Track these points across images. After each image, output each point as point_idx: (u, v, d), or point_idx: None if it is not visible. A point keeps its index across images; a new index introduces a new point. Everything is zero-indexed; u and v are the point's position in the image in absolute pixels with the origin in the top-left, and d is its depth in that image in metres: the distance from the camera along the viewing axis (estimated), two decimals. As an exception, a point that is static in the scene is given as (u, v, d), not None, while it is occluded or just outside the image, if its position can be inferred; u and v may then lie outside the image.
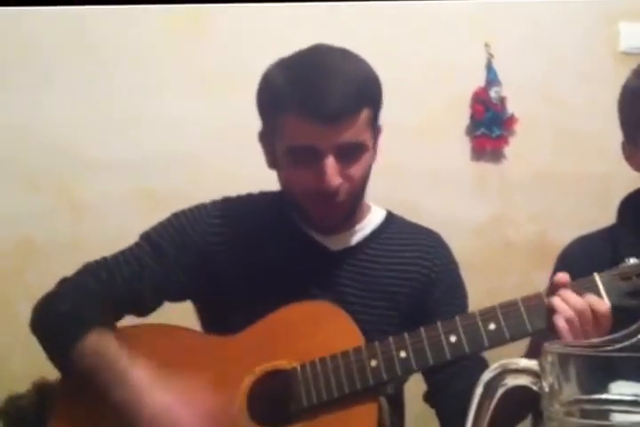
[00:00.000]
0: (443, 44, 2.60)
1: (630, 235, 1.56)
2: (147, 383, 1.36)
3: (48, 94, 2.42)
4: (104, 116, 2.44)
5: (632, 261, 1.34)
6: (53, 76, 2.43)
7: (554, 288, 1.37)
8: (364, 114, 1.44)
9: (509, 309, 1.37)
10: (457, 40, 2.61)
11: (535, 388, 0.73)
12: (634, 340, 0.69)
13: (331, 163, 1.41)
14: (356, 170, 1.46)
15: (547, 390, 0.71)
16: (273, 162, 1.52)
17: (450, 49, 2.60)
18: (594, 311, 1.32)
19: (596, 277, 1.36)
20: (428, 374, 1.53)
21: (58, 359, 1.44)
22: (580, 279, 1.36)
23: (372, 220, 1.60)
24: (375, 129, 1.51)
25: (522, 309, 1.36)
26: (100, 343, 1.40)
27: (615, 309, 1.33)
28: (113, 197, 2.43)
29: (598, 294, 1.34)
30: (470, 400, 0.76)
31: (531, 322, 1.36)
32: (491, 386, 0.74)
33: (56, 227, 2.42)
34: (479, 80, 2.61)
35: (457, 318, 1.38)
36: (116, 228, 2.36)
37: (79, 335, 1.40)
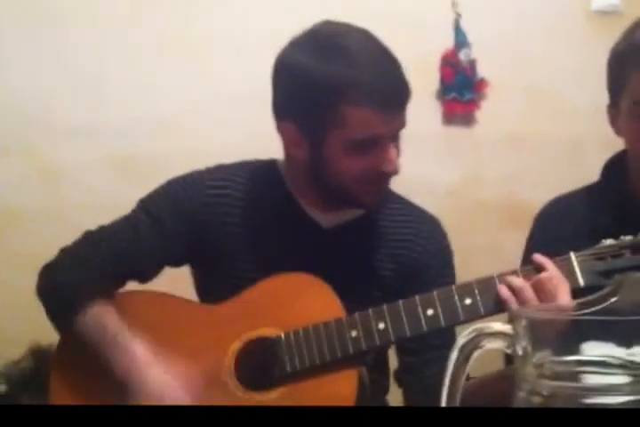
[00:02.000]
0: (409, 4, 2.56)
1: (614, 195, 1.57)
2: (146, 360, 1.42)
3: (8, 59, 2.39)
4: (72, 81, 2.42)
5: (608, 241, 1.37)
6: (12, 41, 2.39)
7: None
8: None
9: (485, 284, 1.40)
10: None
11: (509, 351, 0.75)
12: (605, 304, 0.72)
13: (393, 149, 1.45)
14: (400, 150, 1.49)
15: (520, 353, 0.73)
16: (310, 153, 1.48)
17: (416, 8, 2.57)
18: (535, 284, 1.35)
19: (572, 255, 1.38)
20: (403, 356, 1.57)
21: (60, 328, 1.51)
22: (556, 258, 1.38)
23: None
24: None
25: (497, 285, 1.39)
26: (101, 316, 1.46)
27: (588, 287, 1.35)
28: (86, 163, 2.41)
29: (572, 272, 1.37)
30: (441, 380, 0.78)
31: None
32: (465, 350, 0.76)
33: (31, 193, 2.41)
34: (448, 41, 2.58)
35: (435, 292, 1.41)
36: (91, 193, 2.36)
37: (80, 309, 1.46)
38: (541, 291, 1.34)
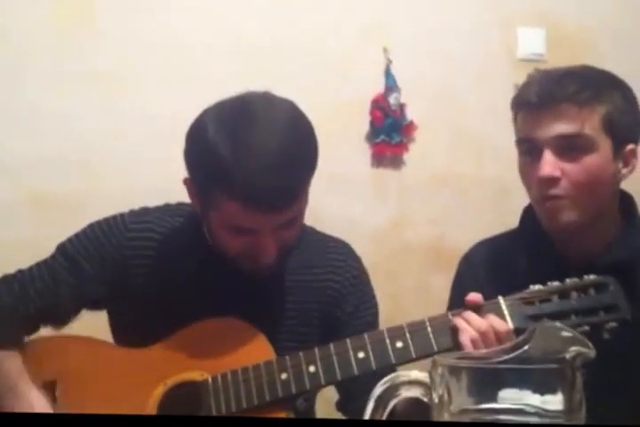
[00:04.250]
0: (342, 49, 2.60)
1: (531, 240, 1.59)
2: (40, 401, 1.40)
3: None
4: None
5: (537, 287, 1.39)
6: None
7: (466, 306, 1.40)
8: (307, 186, 1.42)
9: (417, 328, 1.40)
10: (356, 45, 2.62)
11: (425, 399, 0.74)
12: (519, 351, 0.72)
13: (270, 242, 1.40)
14: (289, 234, 1.45)
15: (436, 401, 0.72)
16: (202, 212, 1.47)
17: (348, 54, 2.61)
18: (496, 332, 1.36)
19: (501, 300, 1.40)
20: (340, 385, 1.54)
21: None
22: (486, 302, 1.40)
23: None
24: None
25: (428, 328, 1.39)
26: (5, 361, 1.43)
27: (517, 331, 1.37)
28: (5, 201, 2.36)
29: (502, 316, 1.38)
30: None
31: (437, 341, 1.39)
32: (382, 399, 0.75)
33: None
34: (378, 86, 2.63)
35: (365, 335, 1.41)
36: (10, 231, 2.31)
37: None
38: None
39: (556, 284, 1.39)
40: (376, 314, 1.60)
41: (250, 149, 1.33)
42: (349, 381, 1.44)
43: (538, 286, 1.39)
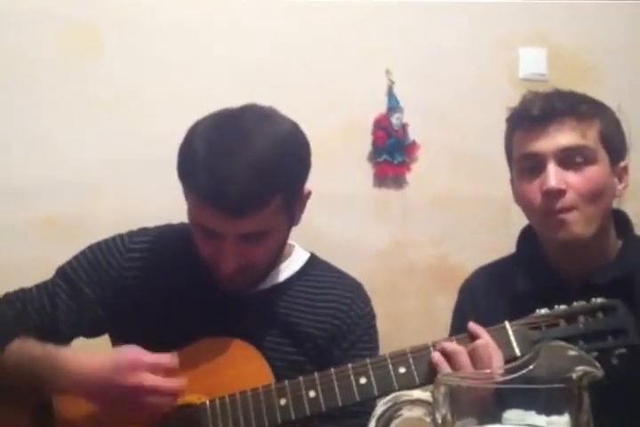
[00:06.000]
0: (344, 70, 2.61)
1: (529, 264, 1.59)
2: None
3: None
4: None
5: (543, 311, 1.37)
6: None
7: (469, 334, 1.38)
8: (274, 203, 1.38)
9: (420, 353, 1.37)
10: (358, 67, 2.63)
11: (428, 420, 0.73)
12: (524, 371, 0.71)
13: (230, 249, 1.39)
14: (259, 250, 1.43)
15: (439, 421, 0.71)
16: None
17: (351, 75, 2.62)
18: (470, 351, 1.33)
19: (507, 325, 1.37)
20: (321, 423, 1.50)
21: None
22: (491, 327, 1.37)
23: (291, 264, 1.58)
24: (290, 210, 1.44)
25: (432, 353, 1.36)
26: (23, 345, 1.42)
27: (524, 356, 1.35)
28: (9, 223, 2.36)
29: (508, 341, 1.35)
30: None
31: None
32: (383, 419, 0.74)
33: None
34: (380, 106, 2.63)
35: (367, 360, 1.38)
36: (15, 254, 2.30)
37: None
38: (477, 358, 1.32)
39: (562, 307, 1.36)
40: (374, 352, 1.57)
41: (225, 153, 1.35)
42: (330, 417, 1.42)
43: (544, 310, 1.36)
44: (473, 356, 1.33)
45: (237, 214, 1.35)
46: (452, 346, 1.35)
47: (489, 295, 1.62)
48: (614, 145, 1.52)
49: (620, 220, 1.58)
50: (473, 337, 1.36)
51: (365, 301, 1.59)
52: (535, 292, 1.52)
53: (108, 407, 1.37)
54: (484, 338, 1.34)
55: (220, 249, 1.40)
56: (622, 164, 1.54)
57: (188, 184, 1.39)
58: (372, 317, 1.59)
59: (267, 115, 1.44)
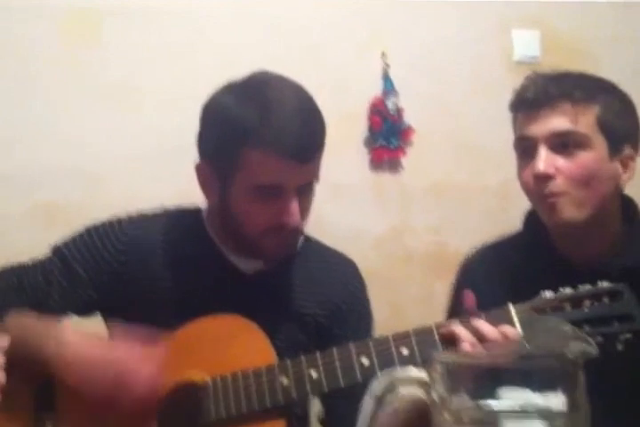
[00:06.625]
0: (339, 53, 2.61)
1: (535, 244, 1.58)
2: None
3: None
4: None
5: (548, 294, 1.35)
6: None
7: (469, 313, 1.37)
8: (322, 150, 1.48)
9: (423, 334, 1.36)
10: (353, 50, 2.62)
11: (425, 397, 0.73)
12: (519, 348, 0.70)
13: (295, 202, 1.44)
14: (307, 206, 1.49)
15: (436, 399, 0.71)
16: (220, 195, 1.49)
17: (346, 59, 2.61)
18: (507, 340, 1.30)
19: (510, 307, 1.35)
20: (328, 401, 1.53)
21: None
22: (495, 309, 1.35)
23: None
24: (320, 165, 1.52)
25: (435, 335, 1.35)
26: (21, 317, 1.43)
27: None
28: (10, 212, 2.36)
29: (512, 324, 1.33)
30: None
31: (444, 348, 1.34)
32: (380, 397, 0.74)
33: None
34: (376, 90, 2.63)
35: (370, 341, 1.38)
36: (16, 243, 2.30)
37: None
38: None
39: (568, 291, 1.35)
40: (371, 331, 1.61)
41: (270, 109, 1.42)
42: (340, 398, 1.42)
43: (549, 293, 1.35)
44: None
45: (304, 160, 1.42)
46: (480, 322, 1.33)
47: (489, 274, 1.61)
48: (616, 130, 1.50)
49: (628, 206, 1.58)
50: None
51: (360, 277, 1.64)
52: (538, 274, 1.51)
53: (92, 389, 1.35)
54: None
55: (284, 204, 1.43)
56: (628, 150, 1.52)
57: (251, 144, 1.41)
58: (366, 293, 1.64)
59: (281, 77, 1.52)
